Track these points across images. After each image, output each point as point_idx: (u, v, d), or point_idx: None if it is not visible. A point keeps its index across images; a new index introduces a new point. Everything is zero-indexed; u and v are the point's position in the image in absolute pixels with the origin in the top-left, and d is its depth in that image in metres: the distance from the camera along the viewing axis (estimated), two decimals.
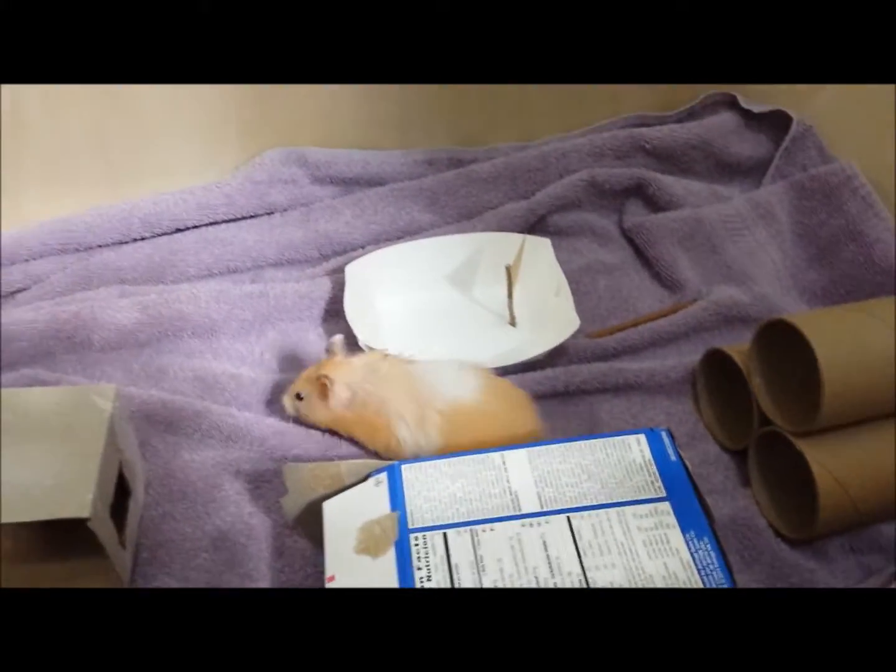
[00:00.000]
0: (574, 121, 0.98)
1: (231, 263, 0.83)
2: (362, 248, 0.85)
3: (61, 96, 0.79)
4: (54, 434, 0.59)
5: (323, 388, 0.66)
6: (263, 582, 0.63)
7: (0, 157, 0.79)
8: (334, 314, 0.82)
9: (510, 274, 0.77)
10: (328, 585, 0.54)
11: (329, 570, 0.55)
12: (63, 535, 0.63)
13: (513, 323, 0.81)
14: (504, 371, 0.75)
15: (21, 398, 0.61)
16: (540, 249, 0.81)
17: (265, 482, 0.69)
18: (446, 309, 0.82)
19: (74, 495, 0.56)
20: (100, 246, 0.82)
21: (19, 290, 0.80)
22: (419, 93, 0.90)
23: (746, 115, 0.97)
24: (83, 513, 0.55)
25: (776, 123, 0.96)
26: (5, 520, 0.55)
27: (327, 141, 0.90)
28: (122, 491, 0.62)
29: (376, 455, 0.68)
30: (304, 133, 0.90)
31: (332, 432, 0.70)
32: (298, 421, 0.70)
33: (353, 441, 0.69)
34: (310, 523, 0.63)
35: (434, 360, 0.68)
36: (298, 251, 0.85)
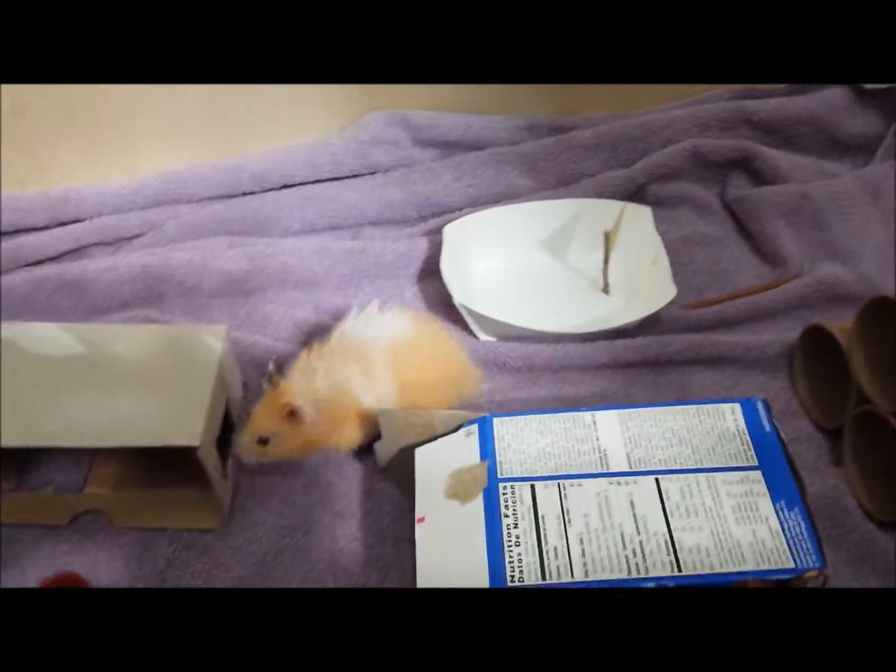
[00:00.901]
0: (678, 92, 0.96)
1: (333, 220, 0.86)
2: (460, 210, 0.86)
3: None
4: (168, 369, 0.63)
5: (292, 415, 0.62)
6: (353, 521, 0.66)
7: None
8: (429, 274, 0.83)
9: (608, 240, 0.77)
10: (418, 526, 0.56)
11: (419, 511, 0.57)
12: (169, 465, 0.67)
13: (606, 290, 0.81)
14: (594, 337, 0.76)
15: (138, 334, 0.65)
16: (639, 217, 0.81)
17: None
18: (540, 273, 0.83)
19: (185, 426, 0.59)
20: (210, 198, 0.86)
21: (135, 236, 0.84)
22: None
23: (858, 91, 0.94)
24: (193, 442, 0.59)
25: (889, 101, 0.93)
26: (118, 444, 0.59)
27: (430, 104, 0.91)
28: (226, 427, 0.65)
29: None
30: (408, 95, 0.91)
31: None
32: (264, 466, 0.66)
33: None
34: (399, 468, 0.65)
35: (352, 321, 0.68)
36: (397, 211, 0.87)
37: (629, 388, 0.74)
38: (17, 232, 0.83)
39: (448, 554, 0.54)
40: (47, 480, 0.68)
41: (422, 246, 0.83)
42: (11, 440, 0.59)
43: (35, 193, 0.83)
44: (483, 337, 0.78)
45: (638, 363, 0.75)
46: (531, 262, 0.84)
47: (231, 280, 0.80)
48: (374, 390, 0.65)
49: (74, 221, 0.84)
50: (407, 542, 0.65)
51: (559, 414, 0.59)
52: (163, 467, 0.67)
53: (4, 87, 0.78)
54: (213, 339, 0.65)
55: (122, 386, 0.62)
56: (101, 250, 0.84)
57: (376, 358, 0.65)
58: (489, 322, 0.75)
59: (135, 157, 0.87)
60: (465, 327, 0.79)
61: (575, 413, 0.59)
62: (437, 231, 0.84)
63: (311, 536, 0.65)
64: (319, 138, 0.89)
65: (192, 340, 0.65)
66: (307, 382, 0.63)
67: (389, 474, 0.67)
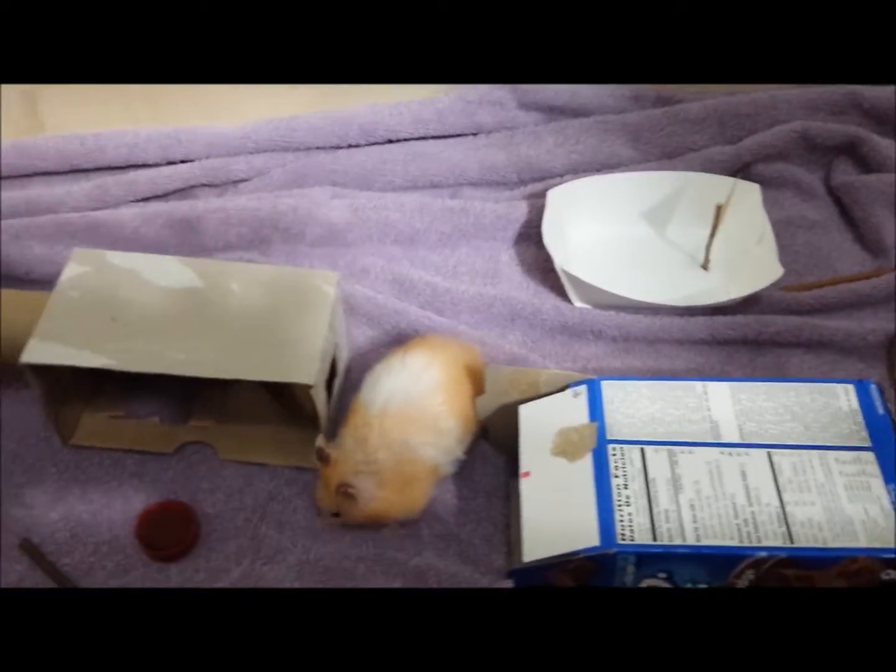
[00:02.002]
0: None
1: (434, 178, 0.86)
2: (561, 176, 0.86)
3: None
4: (283, 308, 0.64)
5: (347, 496, 0.59)
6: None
7: None
8: (526, 238, 0.84)
9: (719, 214, 0.77)
10: (523, 480, 0.57)
11: (524, 466, 0.58)
12: (271, 403, 0.69)
13: (706, 266, 0.80)
14: (691, 312, 0.76)
15: (254, 272, 0.67)
16: (747, 195, 0.80)
17: None
18: (639, 244, 0.83)
19: (302, 364, 0.61)
20: (318, 148, 0.86)
21: (242, 181, 0.86)
22: None
23: None
24: (309, 380, 0.60)
25: None
26: (236, 376, 0.61)
27: None
28: (331, 371, 0.67)
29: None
30: None
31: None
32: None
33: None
34: (496, 425, 0.66)
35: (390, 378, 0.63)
36: (499, 173, 0.87)
37: (725, 366, 0.74)
38: (129, 167, 0.85)
39: (554, 508, 0.55)
40: (152, 410, 0.70)
41: (521, 209, 0.83)
42: (130, 365, 0.60)
43: (148, 131, 0.85)
44: (578, 304, 0.78)
45: (736, 341, 0.75)
46: (630, 232, 0.83)
47: (334, 230, 0.81)
48: (440, 442, 0.62)
49: (183, 161, 0.85)
50: (499, 497, 0.67)
51: (669, 381, 0.60)
52: (265, 404, 0.70)
53: None
54: (325, 284, 0.66)
55: (239, 321, 0.63)
56: (207, 192, 0.85)
57: (433, 409, 0.62)
58: (588, 289, 0.75)
59: (241, 102, 0.88)
60: (559, 293, 0.79)
61: (685, 382, 0.60)
62: (537, 195, 0.84)
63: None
64: (427, 96, 0.89)
65: (306, 283, 0.66)
66: (363, 453, 0.60)
67: (486, 430, 0.68)
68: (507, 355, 0.72)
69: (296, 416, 0.69)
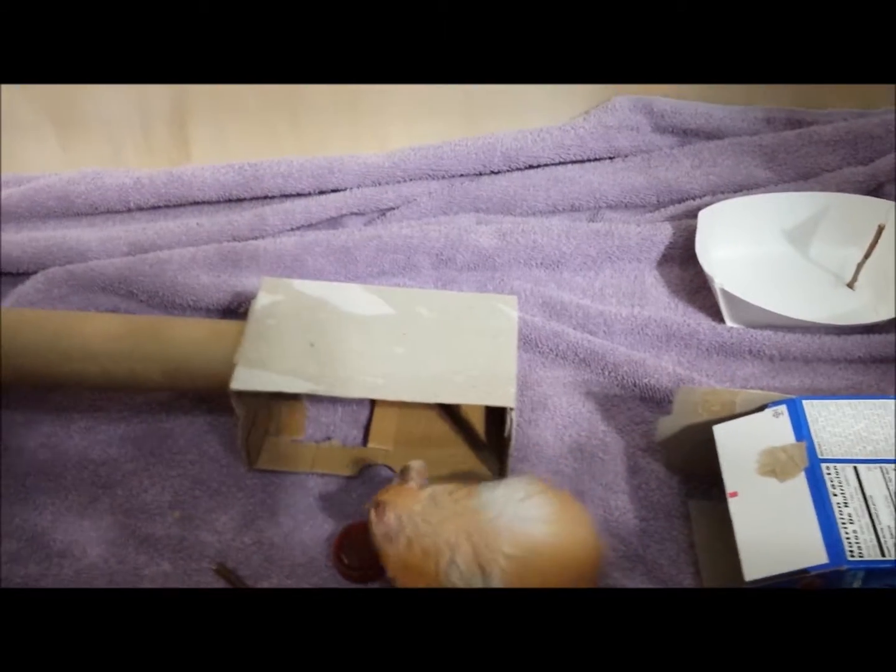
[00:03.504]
0: None
1: (575, 202, 0.88)
2: (699, 198, 0.88)
3: None
4: (472, 332, 0.66)
5: (377, 510, 0.59)
6: (622, 495, 0.68)
7: None
8: (669, 259, 0.85)
9: (879, 234, 0.78)
10: (731, 500, 0.58)
11: (730, 486, 0.59)
12: (442, 425, 0.71)
13: (852, 285, 0.82)
14: (845, 331, 0.77)
15: (437, 298, 0.69)
16: (892, 215, 0.81)
17: (614, 406, 0.74)
18: (783, 264, 0.84)
19: (500, 387, 0.62)
20: (461, 175, 0.88)
21: (390, 209, 0.87)
22: None
23: None
24: (509, 402, 0.61)
25: None
26: (436, 400, 0.62)
27: (671, 91, 0.92)
28: None
29: None
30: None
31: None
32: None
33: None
34: (673, 446, 0.67)
35: (501, 487, 0.59)
36: (638, 195, 0.88)
37: (881, 383, 0.75)
38: (283, 196, 0.87)
39: (771, 528, 0.55)
40: (328, 434, 0.71)
41: (665, 231, 0.84)
42: (334, 390, 0.62)
43: (301, 160, 0.87)
44: (730, 323, 0.79)
45: (891, 360, 0.75)
46: (774, 252, 0.85)
47: (483, 255, 0.82)
48: (459, 576, 0.57)
49: (335, 190, 0.87)
50: (678, 517, 0.67)
51: (868, 400, 0.60)
52: (437, 426, 0.71)
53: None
54: (507, 307, 0.67)
55: (433, 345, 0.64)
56: (356, 220, 0.87)
57: (495, 560, 0.56)
58: (744, 308, 0.77)
59: (384, 128, 0.90)
60: (708, 313, 0.80)
61: (883, 400, 0.60)
62: (677, 217, 0.86)
63: (585, 504, 0.67)
64: (561, 121, 0.91)
65: (489, 307, 0.67)
66: (423, 506, 0.58)
67: (660, 451, 0.69)
68: (671, 376, 0.73)
69: (467, 437, 0.70)
